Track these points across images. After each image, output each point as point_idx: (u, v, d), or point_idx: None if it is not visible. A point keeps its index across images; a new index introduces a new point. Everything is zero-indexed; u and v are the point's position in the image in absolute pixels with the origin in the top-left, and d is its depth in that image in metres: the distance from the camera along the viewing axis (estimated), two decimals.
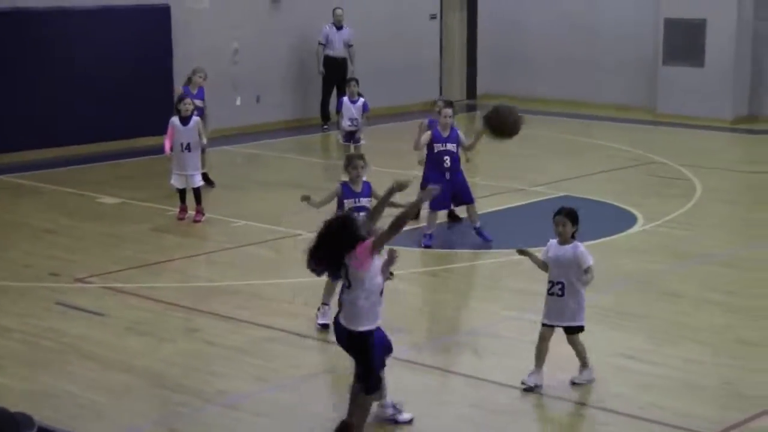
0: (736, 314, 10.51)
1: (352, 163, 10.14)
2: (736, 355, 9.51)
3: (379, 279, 7.40)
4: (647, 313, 10.49)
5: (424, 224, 12.88)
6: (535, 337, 8.66)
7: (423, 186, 12.09)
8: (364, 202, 10.02)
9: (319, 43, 21.39)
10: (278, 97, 21.43)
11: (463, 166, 13.08)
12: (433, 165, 12.85)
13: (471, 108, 24.72)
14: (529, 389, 8.53)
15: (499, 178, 16.35)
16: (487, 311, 10.74)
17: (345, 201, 10.10)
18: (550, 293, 8.58)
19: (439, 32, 24.35)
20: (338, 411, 7.91)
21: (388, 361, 7.87)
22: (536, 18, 24.32)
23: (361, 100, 16.09)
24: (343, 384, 8.12)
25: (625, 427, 8.09)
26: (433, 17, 24.05)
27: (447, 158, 12.78)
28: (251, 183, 16.65)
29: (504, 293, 11.19)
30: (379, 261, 7.39)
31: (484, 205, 14.58)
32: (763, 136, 20.73)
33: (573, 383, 8.67)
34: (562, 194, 15.04)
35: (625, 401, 8.44)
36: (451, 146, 12.82)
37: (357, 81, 16.54)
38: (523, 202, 15.01)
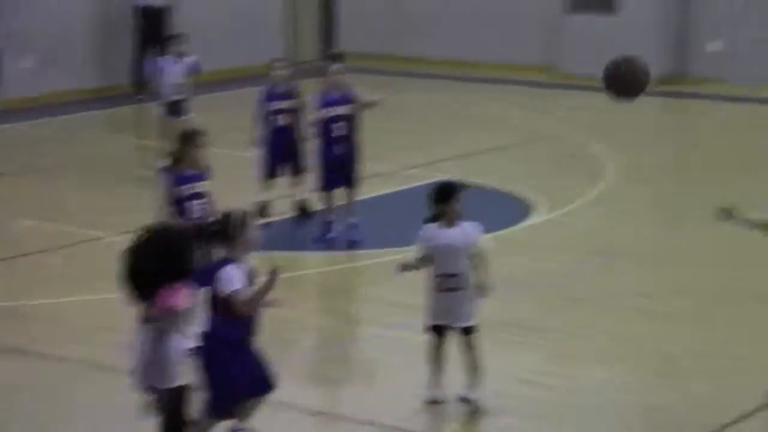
0: (655, 321, 10.68)
1: (192, 140, 10.13)
2: (659, 372, 9.66)
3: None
4: (547, 326, 10.58)
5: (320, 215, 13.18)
6: (402, 356, 8.68)
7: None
8: (200, 187, 10.11)
9: None
10: (75, 59, 21.00)
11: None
12: (321, 136, 13.07)
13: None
14: (433, 402, 8.72)
15: (363, 160, 16.29)
16: (344, 327, 10.72)
17: (178, 188, 10.07)
18: (440, 289, 8.67)
19: None
20: None
21: None
22: None
23: (190, 58, 15.88)
24: None
25: None
26: None
27: (336, 125, 12.99)
28: (36, 171, 16.40)
29: (365, 304, 11.20)
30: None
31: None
32: (690, 101, 21.16)
33: (464, 399, 8.76)
34: (441, 178, 15.04)
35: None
36: (342, 109, 12.99)
37: (184, 36, 16.25)
38: (392, 190, 15.06)
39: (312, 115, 13.12)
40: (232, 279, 7.57)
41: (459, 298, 8.67)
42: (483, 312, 9.64)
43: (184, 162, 10.12)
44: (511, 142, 17.59)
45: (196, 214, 10.04)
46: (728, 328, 10.50)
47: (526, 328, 10.47)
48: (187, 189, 10.12)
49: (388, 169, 15.86)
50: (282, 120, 13.68)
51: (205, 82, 17.34)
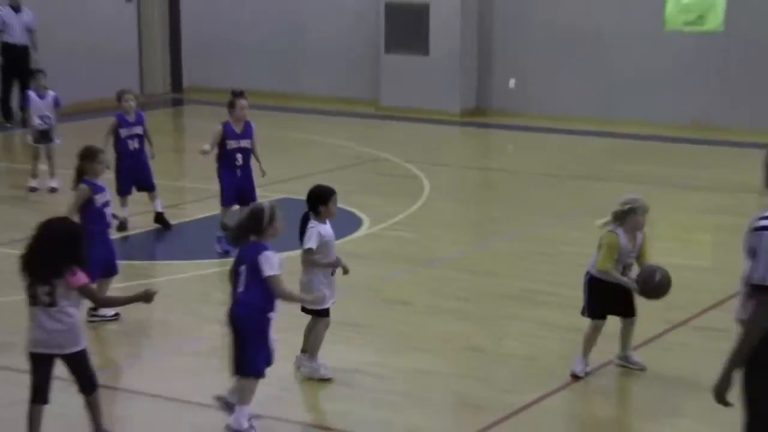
0: (468, 321, 10.92)
1: (94, 155, 10.45)
2: (466, 364, 9.90)
3: None
4: (373, 323, 10.78)
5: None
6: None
7: (220, 181, 13.02)
8: (108, 196, 10.62)
9: None
10: None
11: (252, 163, 13.30)
12: (225, 163, 13.03)
13: (177, 102, 24.60)
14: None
15: (203, 180, 16.32)
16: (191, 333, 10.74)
17: (96, 197, 10.40)
18: (330, 274, 9.26)
19: (137, 17, 24.09)
20: None
21: None
22: (245, 5, 24.41)
23: (51, 94, 15.93)
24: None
25: None
26: (128, 0, 23.77)
27: (240, 156, 13.04)
28: None
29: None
30: None
31: (192, 212, 14.64)
32: (492, 130, 21.58)
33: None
34: (279, 197, 15.17)
35: (350, 419, 8.65)
36: (245, 143, 13.06)
37: (44, 73, 16.26)
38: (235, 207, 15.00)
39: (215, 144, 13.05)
40: (273, 264, 8.08)
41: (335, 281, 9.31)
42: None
43: (88, 175, 10.38)
44: (340, 165, 17.73)
45: (107, 220, 10.57)
46: (520, 324, 10.82)
47: (356, 326, 10.61)
48: (101, 198, 10.43)
49: None
50: (132, 144, 14.06)
51: (67, 113, 17.24)
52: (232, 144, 13.00)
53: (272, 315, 8.20)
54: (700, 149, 19.50)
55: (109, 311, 10.66)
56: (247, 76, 24.29)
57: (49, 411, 7.85)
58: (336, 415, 8.80)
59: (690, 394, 9.06)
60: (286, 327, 8.94)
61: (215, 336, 9.91)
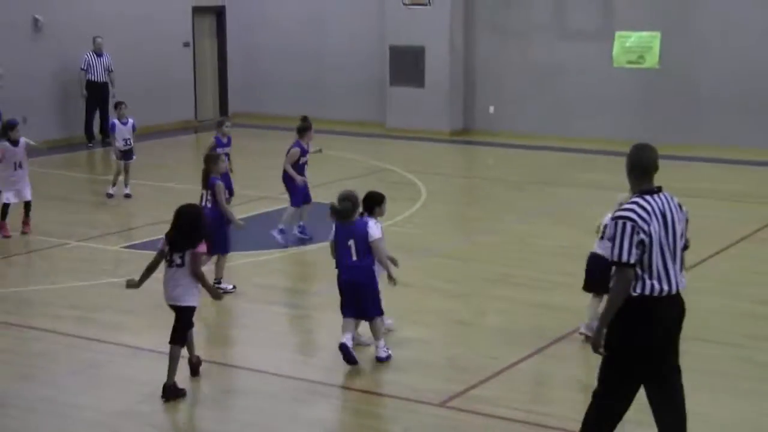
0: (456, 299, 10.83)
1: (218, 159, 10.92)
2: (456, 335, 9.81)
3: None
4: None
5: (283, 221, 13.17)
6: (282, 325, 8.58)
7: (290, 187, 13.11)
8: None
9: (81, 69, 20.69)
10: (43, 119, 20.52)
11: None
12: (299, 173, 13.22)
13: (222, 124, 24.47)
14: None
15: (245, 188, 16.24)
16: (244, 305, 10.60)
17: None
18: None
19: (193, 58, 24.00)
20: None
21: None
22: (279, 49, 24.35)
23: (130, 120, 15.80)
24: (104, 378, 7.87)
25: (362, 402, 8.17)
26: (186, 45, 23.69)
27: (305, 168, 13.39)
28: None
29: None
30: None
31: (235, 212, 14.57)
32: (475, 147, 21.47)
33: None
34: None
35: (363, 379, 8.57)
36: (307, 158, 13.44)
37: (125, 104, 16.08)
38: (270, 209, 14.89)
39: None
40: (376, 231, 8.85)
41: None
42: (336, 295, 9.72)
43: (213, 173, 10.72)
44: (354, 175, 17.63)
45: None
46: (501, 302, 10.71)
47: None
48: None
49: (265, 194, 15.79)
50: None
51: (138, 135, 17.11)
52: (302, 159, 13.28)
53: (377, 270, 8.85)
54: None
55: (229, 285, 10.87)
56: (280, 103, 24.23)
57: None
58: (350, 375, 8.66)
59: None
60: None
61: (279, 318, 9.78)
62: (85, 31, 20.83)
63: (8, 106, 19.42)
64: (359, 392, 8.34)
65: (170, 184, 16.11)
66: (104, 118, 20.97)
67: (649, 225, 6.22)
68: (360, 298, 8.75)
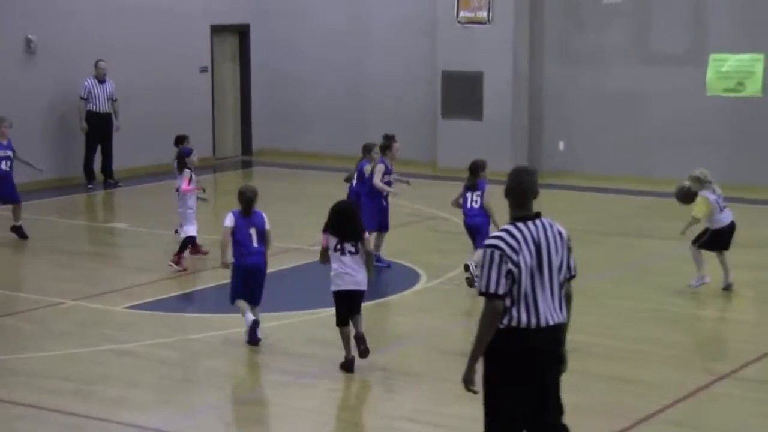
0: None
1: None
2: None
3: None
4: (428, 373, 10.67)
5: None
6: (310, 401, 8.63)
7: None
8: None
9: (81, 98, 21.03)
10: (36, 155, 20.72)
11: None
12: (375, 194, 14.80)
13: (247, 164, 24.71)
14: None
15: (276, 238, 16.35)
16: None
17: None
18: None
19: (211, 85, 24.31)
20: None
21: None
22: (310, 74, 24.57)
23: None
24: None
25: None
26: (203, 70, 23.99)
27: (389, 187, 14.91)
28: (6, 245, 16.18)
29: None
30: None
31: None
32: (542, 190, 21.30)
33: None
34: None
35: None
36: (392, 176, 15.05)
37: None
38: (303, 262, 15.02)
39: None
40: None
41: None
42: (377, 362, 9.74)
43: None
44: (400, 223, 17.62)
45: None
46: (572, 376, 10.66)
47: (412, 375, 10.58)
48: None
49: (296, 245, 15.90)
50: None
51: (145, 174, 17.37)
52: (386, 178, 14.68)
53: None
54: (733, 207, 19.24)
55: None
56: (312, 140, 24.47)
57: None
58: None
59: None
60: None
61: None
62: (86, 54, 21.20)
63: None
64: None
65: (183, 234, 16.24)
66: (106, 155, 21.28)
67: (518, 254, 6.75)
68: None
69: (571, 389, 10.12)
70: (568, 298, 7.01)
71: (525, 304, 6.76)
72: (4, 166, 16.63)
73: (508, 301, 6.76)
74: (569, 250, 6.97)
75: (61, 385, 10.26)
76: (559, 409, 7.04)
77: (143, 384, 10.23)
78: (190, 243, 14.75)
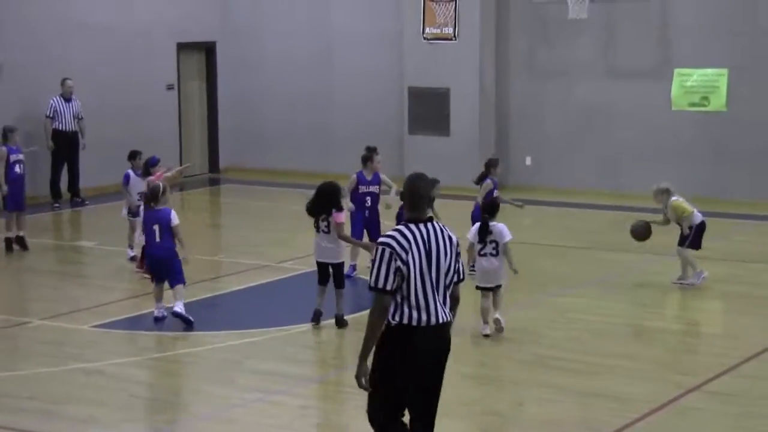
0: (487, 386, 10.91)
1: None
2: (489, 430, 9.78)
3: None
4: None
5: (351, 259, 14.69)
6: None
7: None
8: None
9: (47, 116, 20.94)
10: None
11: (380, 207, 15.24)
12: (356, 204, 14.89)
13: (214, 182, 24.65)
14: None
15: (240, 255, 16.31)
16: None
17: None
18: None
19: (178, 103, 24.25)
20: None
21: None
22: (279, 91, 24.57)
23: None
24: None
25: None
26: (170, 87, 23.94)
27: (368, 198, 15.02)
28: None
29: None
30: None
31: (228, 284, 14.61)
32: (509, 205, 21.46)
33: None
34: (311, 270, 15.11)
35: None
36: (373, 188, 15.13)
37: (141, 153, 16.12)
38: (270, 279, 14.99)
39: None
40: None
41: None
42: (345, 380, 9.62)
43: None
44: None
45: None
46: (541, 390, 10.66)
47: None
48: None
49: (264, 262, 15.86)
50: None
51: (110, 192, 17.30)
52: (362, 189, 14.91)
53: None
54: None
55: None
56: (280, 156, 24.46)
57: None
58: None
59: None
60: None
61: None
62: (52, 72, 21.11)
63: None
64: None
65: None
66: (73, 173, 21.19)
67: (407, 254, 7.13)
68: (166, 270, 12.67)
69: (542, 403, 10.21)
70: (457, 301, 7.45)
71: (416, 302, 7.14)
72: (18, 169, 17.02)
73: (398, 298, 7.12)
74: (458, 254, 7.34)
75: (28, 405, 10.19)
76: (436, 391, 7.39)
77: (111, 403, 10.16)
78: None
